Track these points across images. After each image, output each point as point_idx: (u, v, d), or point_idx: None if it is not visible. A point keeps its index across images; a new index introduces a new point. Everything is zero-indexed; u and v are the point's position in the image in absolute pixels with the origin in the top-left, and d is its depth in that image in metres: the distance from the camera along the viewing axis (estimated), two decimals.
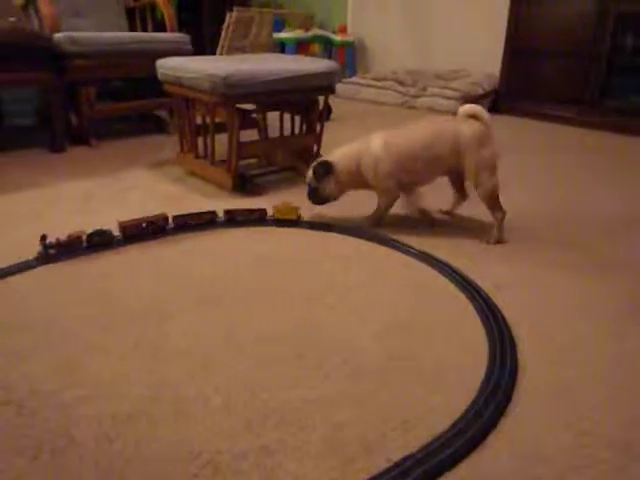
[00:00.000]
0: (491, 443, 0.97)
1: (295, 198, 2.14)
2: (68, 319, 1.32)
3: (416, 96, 4.26)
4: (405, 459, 0.92)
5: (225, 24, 4.62)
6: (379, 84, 4.52)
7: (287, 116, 2.54)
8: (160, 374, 1.13)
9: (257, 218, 1.92)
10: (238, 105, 2.12)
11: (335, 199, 1.91)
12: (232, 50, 4.62)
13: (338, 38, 5.18)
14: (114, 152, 2.81)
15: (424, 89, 4.26)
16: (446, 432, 0.98)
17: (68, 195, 2.15)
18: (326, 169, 1.84)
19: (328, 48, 5.28)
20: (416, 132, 1.82)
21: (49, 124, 2.72)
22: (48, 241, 1.61)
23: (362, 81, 4.65)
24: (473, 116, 1.76)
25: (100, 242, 1.68)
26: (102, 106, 3.01)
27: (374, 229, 1.88)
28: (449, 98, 4.02)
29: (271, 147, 2.58)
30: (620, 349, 1.26)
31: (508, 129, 3.65)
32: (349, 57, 5.27)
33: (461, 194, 1.99)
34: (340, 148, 1.90)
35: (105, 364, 1.16)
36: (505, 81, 4.11)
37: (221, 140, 2.22)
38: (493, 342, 1.26)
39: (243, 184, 2.22)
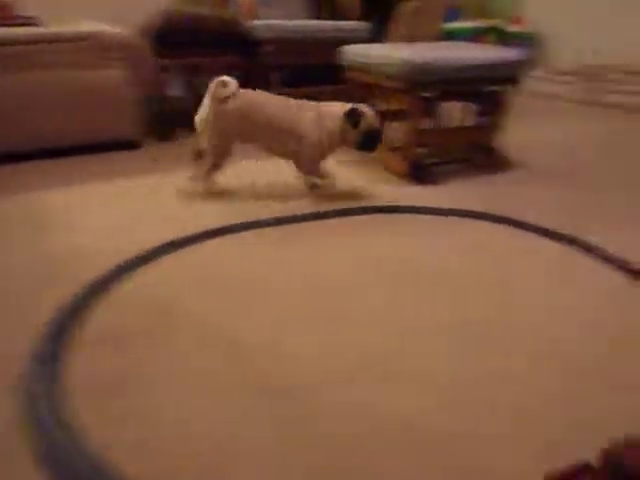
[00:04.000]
0: None
1: (469, 189, 2.11)
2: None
3: (602, 92, 3.95)
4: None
5: (400, 13, 4.65)
6: (559, 79, 4.25)
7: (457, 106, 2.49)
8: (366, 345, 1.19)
9: None
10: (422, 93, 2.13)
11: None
12: (405, 39, 4.63)
13: (514, 29, 4.94)
14: None
15: (612, 85, 3.93)
16: None
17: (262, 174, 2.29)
18: None
19: (502, 40, 5.06)
20: None
21: None
22: None
23: (539, 75, 4.41)
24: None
25: None
26: (283, 90, 3.17)
27: None
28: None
29: (449, 137, 2.55)
30: None
31: None
32: (525, 50, 5.01)
33: None
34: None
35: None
36: None
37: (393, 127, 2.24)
38: None
39: (419, 172, 2.23)
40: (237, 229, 1.71)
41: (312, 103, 1.99)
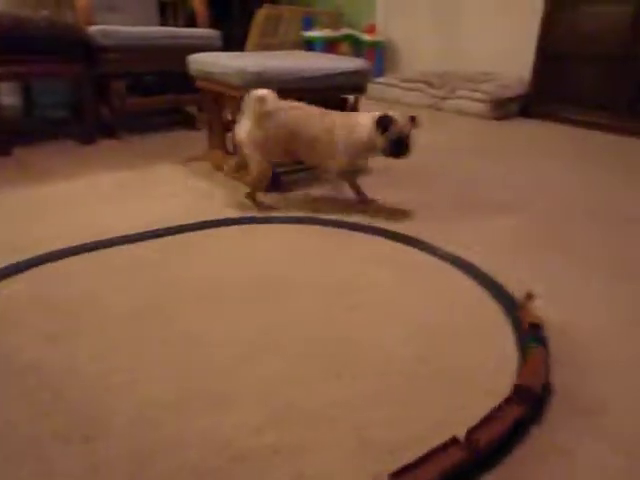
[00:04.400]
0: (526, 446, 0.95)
1: (324, 196, 2.15)
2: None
3: (445, 98, 4.23)
4: None
5: (254, 21, 4.65)
6: (407, 85, 4.49)
7: None
8: (197, 367, 1.14)
9: None
10: None
11: None
12: (261, 47, 4.64)
13: (367, 37, 5.16)
14: (144, 146, 2.83)
15: (452, 91, 4.22)
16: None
17: (98, 187, 2.17)
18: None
19: (357, 48, 5.26)
20: None
21: (80, 116, 2.76)
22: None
23: (390, 82, 4.63)
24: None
25: None
26: (133, 100, 3.03)
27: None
28: (478, 100, 3.97)
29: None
30: None
31: (534, 133, 3.61)
32: (378, 57, 5.25)
33: None
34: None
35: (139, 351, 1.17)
36: (535, 85, 4.04)
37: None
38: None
39: (272, 181, 2.22)
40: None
41: (342, 112, 2.02)
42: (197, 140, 2.89)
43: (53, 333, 1.23)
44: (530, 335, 1.25)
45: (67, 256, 1.59)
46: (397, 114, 1.87)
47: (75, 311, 1.33)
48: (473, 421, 0.99)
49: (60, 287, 1.43)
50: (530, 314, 1.33)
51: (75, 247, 1.62)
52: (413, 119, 1.88)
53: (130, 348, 1.19)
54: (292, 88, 2.10)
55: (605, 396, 1.10)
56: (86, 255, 1.60)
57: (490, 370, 1.16)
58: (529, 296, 1.40)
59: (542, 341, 1.23)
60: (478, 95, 3.98)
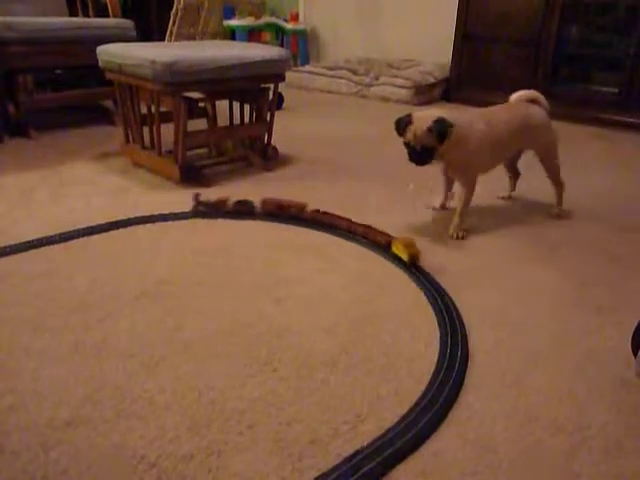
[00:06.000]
0: (442, 434, 0.96)
1: (245, 189, 2.11)
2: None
3: (369, 85, 4.24)
4: (355, 453, 0.90)
5: (173, 10, 4.50)
6: (332, 73, 4.47)
7: (237, 105, 2.47)
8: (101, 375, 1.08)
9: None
10: (185, 94, 2.06)
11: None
12: (181, 38, 4.49)
13: (290, 26, 5.10)
14: (56, 144, 2.68)
15: (377, 78, 4.25)
16: (397, 424, 0.97)
17: (6, 189, 2.03)
18: (448, 130, 1.62)
19: (280, 36, 5.20)
20: (498, 116, 1.81)
21: None
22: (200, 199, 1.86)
23: (315, 70, 4.60)
24: (533, 100, 1.87)
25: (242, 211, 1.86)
26: (42, 95, 2.87)
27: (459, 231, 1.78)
28: (401, 87, 4.01)
29: (220, 137, 2.51)
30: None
31: None
32: (301, 45, 5.21)
33: (515, 173, 2.11)
34: (423, 111, 1.71)
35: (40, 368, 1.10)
36: (455, 70, 4.13)
37: (168, 130, 2.14)
38: (445, 331, 1.26)
39: (191, 175, 2.16)
40: None
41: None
42: (113, 135, 2.78)
43: None
44: None
45: None
46: (429, 116, 1.64)
47: None
48: (395, 410, 0.99)
49: None
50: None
51: None
52: (430, 129, 1.61)
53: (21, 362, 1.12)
54: (207, 79, 2.04)
55: None
56: None
57: (413, 357, 1.17)
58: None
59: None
60: (400, 81, 4.02)
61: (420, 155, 1.65)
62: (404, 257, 1.55)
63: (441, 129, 1.60)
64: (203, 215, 1.85)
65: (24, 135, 2.74)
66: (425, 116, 1.64)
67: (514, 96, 1.91)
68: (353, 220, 1.77)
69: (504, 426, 0.98)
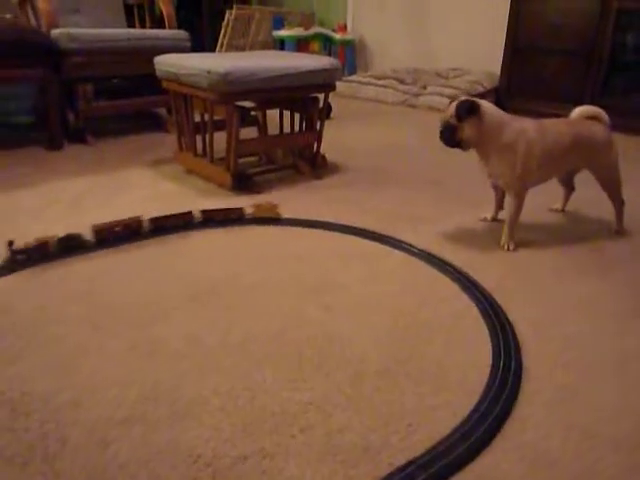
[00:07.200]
0: (496, 447, 0.94)
1: (294, 196, 2.14)
2: (55, 322, 1.29)
3: (416, 94, 4.23)
4: (408, 464, 0.90)
5: (224, 22, 4.61)
6: (379, 82, 4.48)
7: (287, 114, 2.51)
8: (155, 376, 1.10)
9: (236, 217, 1.89)
10: (237, 102, 2.10)
11: (467, 148, 1.73)
12: (231, 48, 4.60)
13: (338, 36, 5.14)
14: (112, 150, 2.78)
15: (424, 87, 4.23)
16: (450, 435, 0.96)
17: (64, 194, 2.12)
18: (471, 109, 1.65)
19: (328, 46, 5.24)
20: (555, 129, 1.77)
21: (46, 122, 2.69)
22: (14, 247, 1.55)
23: (362, 79, 4.62)
24: (594, 117, 1.81)
25: (71, 246, 1.63)
26: (100, 104, 2.98)
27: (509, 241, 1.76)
28: (449, 97, 3.98)
29: (270, 145, 2.55)
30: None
31: None
32: (349, 55, 5.24)
33: (570, 189, 2.06)
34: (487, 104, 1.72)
35: (99, 366, 1.13)
36: (505, 79, 4.07)
37: (220, 138, 2.19)
38: (497, 342, 1.24)
39: (242, 182, 2.20)
40: None
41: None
42: (166, 142, 2.86)
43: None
44: None
45: None
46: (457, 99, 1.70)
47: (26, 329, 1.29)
48: (447, 421, 0.98)
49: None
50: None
51: None
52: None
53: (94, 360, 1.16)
54: (260, 88, 2.07)
55: None
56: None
57: (465, 368, 1.16)
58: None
59: None
60: (449, 91, 3.99)
61: (443, 133, 1.70)
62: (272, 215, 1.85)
63: (459, 106, 1.66)
64: (24, 265, 1.54)
65: (82, 141, 2.85)
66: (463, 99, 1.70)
67: (575, 112, 1.84)
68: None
69: (561, 441, 0.95)
